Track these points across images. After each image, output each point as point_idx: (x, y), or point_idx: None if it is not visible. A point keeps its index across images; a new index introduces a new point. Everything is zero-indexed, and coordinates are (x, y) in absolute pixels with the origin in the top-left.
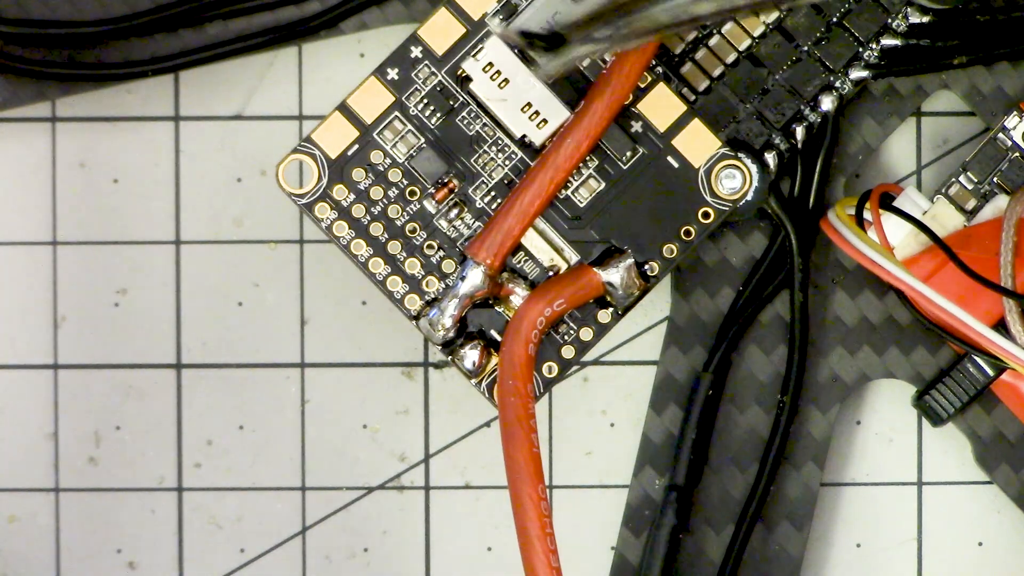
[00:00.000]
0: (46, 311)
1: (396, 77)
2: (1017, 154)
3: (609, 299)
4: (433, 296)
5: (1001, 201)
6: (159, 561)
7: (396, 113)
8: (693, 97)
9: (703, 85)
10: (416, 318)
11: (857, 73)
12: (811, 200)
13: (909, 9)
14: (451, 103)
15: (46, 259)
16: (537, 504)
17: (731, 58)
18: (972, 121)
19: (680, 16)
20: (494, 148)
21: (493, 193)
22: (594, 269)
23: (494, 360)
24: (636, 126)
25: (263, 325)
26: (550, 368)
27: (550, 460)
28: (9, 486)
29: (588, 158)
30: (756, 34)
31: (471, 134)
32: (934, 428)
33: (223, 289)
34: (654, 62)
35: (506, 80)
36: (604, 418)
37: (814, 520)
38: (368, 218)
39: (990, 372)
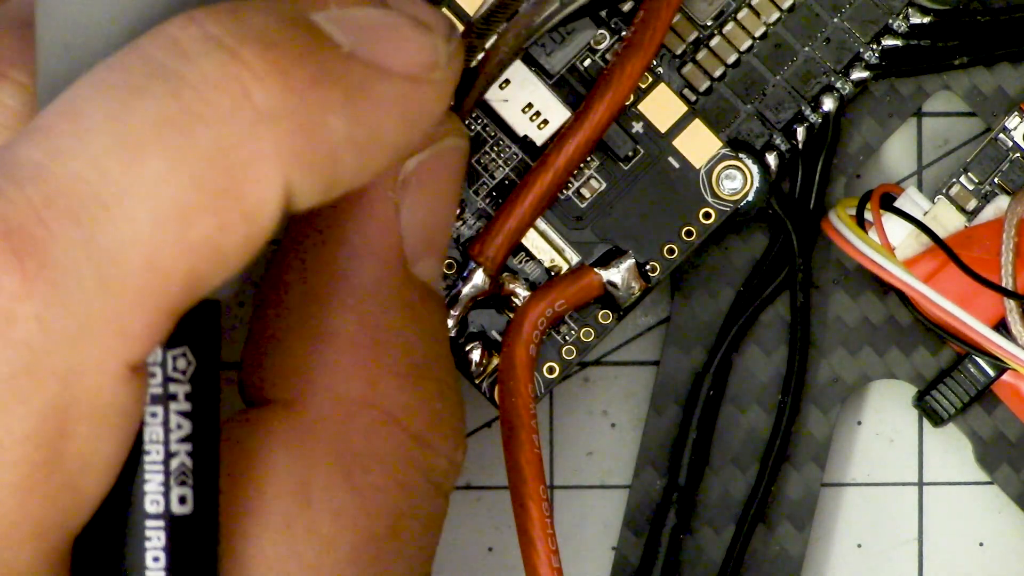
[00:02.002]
0: None
1: None
2: (1018, 155)
3: (610, 299)
4: None
5: (1002, 202)
6: None
7: None
8: (694, 98)
9: (704, 85)
10: None
11: (858, 73)
12: (812, 200)
13: (910, 9)
14: (452, 103)
15: None
16: (538, 504)
17: (732, 58)
18: (973, 122)
19: None
20: (495, 148)
21: (494, 193)
22: (595, 269)
23: (495, 361)
24: (637, 126)
25: None
26: (551, 368)
27: (551, 460)
28: None
29: (589, 158)
30: (757, 35)
31: (472, 134)
32: (935, 428)
33: None
34: (655, 62)
35: (507, 80)
36: (605, 418)
37: (815, 520)
38: None
39: (991, 372)
